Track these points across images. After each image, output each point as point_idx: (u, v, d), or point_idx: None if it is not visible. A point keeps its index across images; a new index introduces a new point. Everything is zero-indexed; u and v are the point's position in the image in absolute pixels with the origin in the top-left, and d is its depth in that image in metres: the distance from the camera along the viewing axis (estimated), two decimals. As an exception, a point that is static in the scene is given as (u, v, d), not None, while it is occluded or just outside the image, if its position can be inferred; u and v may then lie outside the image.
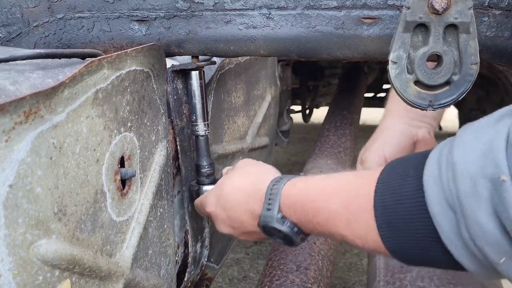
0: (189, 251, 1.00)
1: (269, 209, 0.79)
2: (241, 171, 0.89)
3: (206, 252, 1.07)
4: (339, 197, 0.70)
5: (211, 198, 0.90)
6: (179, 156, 0.95)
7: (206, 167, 0.98)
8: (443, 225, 0.56)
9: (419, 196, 0.59)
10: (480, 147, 0.53)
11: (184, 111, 0.96)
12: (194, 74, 0.95)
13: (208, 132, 0.98)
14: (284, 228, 0.78)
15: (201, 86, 0.96)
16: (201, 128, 0.96)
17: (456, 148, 0.56)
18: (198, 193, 0.97)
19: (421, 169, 0.60)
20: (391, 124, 1.08)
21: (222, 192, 0.88)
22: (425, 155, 0.61)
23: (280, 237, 0.80)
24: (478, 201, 0.52)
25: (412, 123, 1.10)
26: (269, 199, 0.79)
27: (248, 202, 0.84)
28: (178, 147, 0.94)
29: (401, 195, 0.61)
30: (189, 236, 0.99)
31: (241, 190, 0.85)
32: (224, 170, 0.98)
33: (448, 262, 0.59)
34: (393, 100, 1.17)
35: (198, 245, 1.03)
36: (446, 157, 0.57)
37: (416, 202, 0.59)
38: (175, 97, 0.93)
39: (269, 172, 0.86)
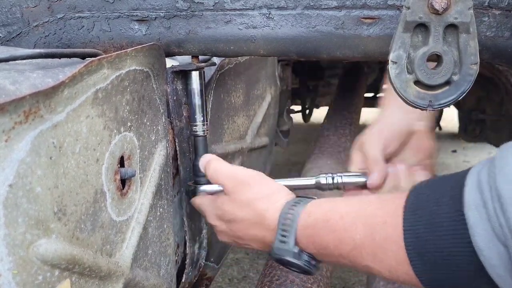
0: (187, 252, 1.00)
1: (283, 241, 0.73)
2: (241, 200, 0.81)
3: (204, 253, 1.07)
4: (362, 226, 0.65)
5: (211, 213, 0.86)
6: (178, 157, 0.95)
7: None
8: (492, 260, 0.51)
9: (459, 227, 0.54)
10: None
11: (184, 112, 0.96)
12: (194, 75, 0.94)
13: (207, 133, 0.97)
14: (301, 262, 0.73)
15: (201, 86, 0.95)
16: (199, 129, 0.95)
17: (498, 174, 0.51)
18: (194, 193, 0.96)
19: (458, 197, 0.54)
20: (390, 112, 1.03)
21: (224, 217, 0.83)
22: (458, 179, 0.56)
23: (295, 268, 0.75)
24: None
25: (411, 115, 1.07)
26: (283, 230, 0.73)
27: (258, 230, 0.78)
28: (177, 148, 0.94)
29: (437, 225, 0.56)
30: (187, 238, 0.99)
31: (248, 220, 0.79)
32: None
33: None
34: (391, 93, 1.15)
35: (196, 246, 1.03)
36: (488, 183, 0.52)
37: (455, 233, 0.54)
38: (175, 97, 0.93)
39: (275, 194, 0.79)
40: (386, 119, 1.02)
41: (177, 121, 0.94)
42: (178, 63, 1.12)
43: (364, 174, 0.92)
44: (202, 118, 0.95)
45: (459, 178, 0.56)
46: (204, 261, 1.08)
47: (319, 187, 0.92)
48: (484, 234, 0.51)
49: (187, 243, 0.99)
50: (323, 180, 0.91)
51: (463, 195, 0.54)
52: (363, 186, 0.90)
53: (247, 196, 0.80)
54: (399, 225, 0.60)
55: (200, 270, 1.08)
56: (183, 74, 0.95)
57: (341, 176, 0.92)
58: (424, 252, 0.58)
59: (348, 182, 0.92)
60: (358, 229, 0.66)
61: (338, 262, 0.70)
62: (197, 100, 0.95)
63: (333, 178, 0.91)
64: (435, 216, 0.57)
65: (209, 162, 0.89)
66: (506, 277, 0.51)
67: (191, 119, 0.96)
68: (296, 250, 0.73)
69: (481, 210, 0.52)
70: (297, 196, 0.80)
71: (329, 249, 0.69)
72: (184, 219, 0.99)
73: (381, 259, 0.63)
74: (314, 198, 0.77)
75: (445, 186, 0.58)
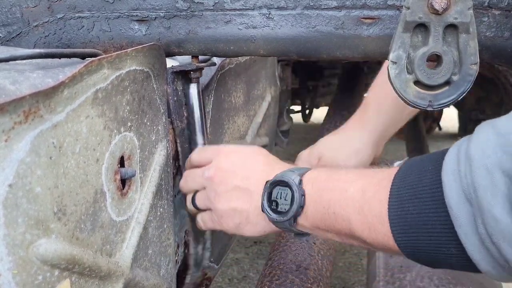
0: (191, 253, 0.99)
1: (292, 171, 0.80)
2: (230, 188, 0.85)
3: (207, 254, 1.07)
4: (359, 183, 0.71)
5: (203, 169, 0.89)
6: (180, 158, 0.95)
7: None
8: (460, 218, 0.55)
9: (436, 189, 0.58)
10: (498, 141, 0.52)
11: (184, 113, 0.96)
12: (193, 87, 0.95)
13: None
14: (295, 188, 0.77)
15: (200, 112, 0.96)
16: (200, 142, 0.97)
17: (473, 141, 0.55)
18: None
19: (439, 164, 0.59)
20: (357, 136, 1.12)
21: (219, 152, 0.88)
22: (444, 152, 0.61)
23: (285, 197, 0.79)
24: (495, 195, 0.51)
25: (376, 141, 1.13)
26: (290, 169, 0.80)
27: (253, 163, 0.85)
28: (179, 149, 0.94)
29: (418, 189, 0.61)
30: (191, 238, 0.99)
31: (241, 152, 0.86)
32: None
33: (461, 261, 0.58)
34: (374, 95, 1.20)
35: (200, 247, 1.03)
36: (464, 151, 0.56)
37: (433, 195, 0.59)
38: (175, 98, 0.93)
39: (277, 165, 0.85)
40: (350, 142, 1.13)
41: (178, 121, 0.94)
42: (178, 63, 1.12)
43: None
44: (202, 142, 0.96)
45: (445, 151, 0.62)
46: (207, 262, 1.08)
47: None
48: (455, 192, 0.55)
49: (191, 244, 0.99)
50: None
51: (443, 163, 0.59)
52: None
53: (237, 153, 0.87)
54: (387, 188, 0.65)
55: (204, 270, 1.08)
56: (183, 75, 0.95)
57: None
58: (403, 214, 0.62)
59: None
60: (354, 184, 0.71)
61: (323, 213, 0.75)
62: (197, 126, 0.95)
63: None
64: (418, 182, 0.62)
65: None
66: (472, 238, 0.54)
67: (191, 142, 0.96)
68: (297, 180, 0.78)
69: (454, 173, 0.56)
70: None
71: (322, 194, 0.75)
72: (187, 218, 0.99)
73: (365, 215, 0.67)
74: (309, 168, 0.82)
75: (433, 156, 0.64)
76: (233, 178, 0.85)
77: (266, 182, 0.80)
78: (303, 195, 0.77)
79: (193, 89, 0.95)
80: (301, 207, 0.77)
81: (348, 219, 0.70)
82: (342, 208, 0.71)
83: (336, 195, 0.72)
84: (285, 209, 0.77)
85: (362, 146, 1.11)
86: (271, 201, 0.79)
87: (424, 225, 0.60)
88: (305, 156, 1.14)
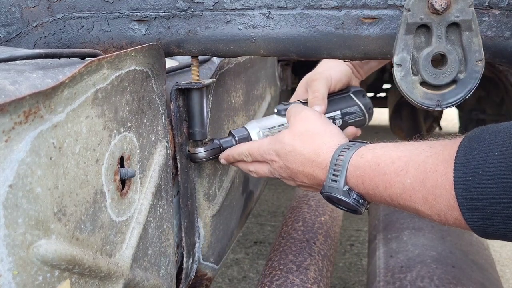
0: (183, 266, 1.00)
1: (334, 180, 0.78)
2: (303, 131, 0.86)
3: (195, 267, 1.08)
4: (414, 171, 0.69)
5: (270, 149, 0.90)
6: (179, 174, 0.95)
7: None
8: None
9: (508, 179, 0.58)
10: None
11: (184, 128, 0.96)
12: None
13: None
14: (350, 200, 0.77)
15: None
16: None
17: None
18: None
19: (509, 150, 0.58)
20: (333, 61, 1.14)
21: (282, 148, 0.87)
22: (509, 132, 0.60)
23: (344, 206, 0.80)
24: None
25: (351, 66, 1.16)
26: (334, 170, 0.78)
27: (311, 167, 0.83)
28: (178, 164, 0.94)
29: (486, 177, 0.60)
30: (184, 253, 0.99)
31: (303, 155, 0.84)
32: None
33: None
34: None
35: (190, 260, 1.04)
36: None
37: (505, 185, 0.58)
38: (178, 115, 0.93)
39: (332, 136, 0.84)
40: (333, 63, 1.13)
41: (179, 138, 0.94)
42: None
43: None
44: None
45: (510, 131, 0.60)
46: (194, 274, 1.08)
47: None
48: None
49: (184, 258, 0.99)
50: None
51: None
52: None
53: (306, 128, 0.86)
54: (449, 175, 0.64)
55: (190, 281, 1.08)
56: (185, 91, 0.95)
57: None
58: (474, 202, 0.61)
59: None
60: (408, 174, 0.69)
61: (387, 204, 0.74)
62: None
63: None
64: (486, 169, 0.60)
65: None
66: None
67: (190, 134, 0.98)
68: (346, 188, 0.77)
69: None
70: (351, 140, 0.84)
71: (378, 191, 0.73)
72: (183, 235, 0.98)
73: (432, 204, 0.67)
74: (367, 143, 0.81)
75: (497, 140, 0.61)
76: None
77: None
78: (356, 200, 0.78)
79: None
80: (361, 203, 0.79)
81: (415, 209, 0.70)
82: (405, 200, 0.70)
83: (394, 189, 0.71)
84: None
85: (336, 62, 1.15)
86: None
87: (497, 212, 0.60)
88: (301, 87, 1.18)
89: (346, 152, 0.78)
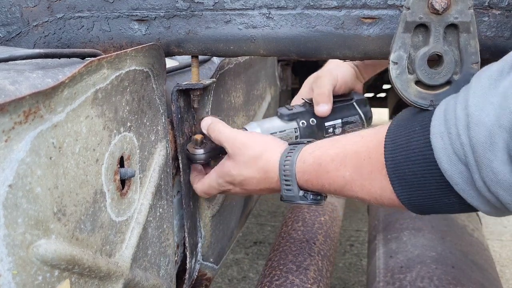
0: (187, 267, 1.00)
1: (289, 190, 0.83)
2: (247, 159, 0.89)
3: (198, 267, 1.08)
4: (350, 163, 0.74)
5: (222, 182, 0.93)
6: (181, 174, 0.95)
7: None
8: (455, 178, 0.58)
9: (427, 151, 0.61)
10: (495, 98, 0.54)
11: (185, 129, 0.96)
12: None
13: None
14: (308, 201, 0.84)
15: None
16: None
17: (471, 98, 0.57)
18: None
19: (427, 125, 0.62)
20: (340, 62, 1.15)
21: (234, 181, 0.91)
22: (430, 112, 0.63)
23: (306, 205, 0.86)
24: (494, 150, 0.53)
25: (356, 69, 1.17)
26: (286, 180, 0.83)
27: (265, 184, 0.88)
28: (180, 164, 0.94)
29: (409, 151, 0.64)
30: (187, 253, 0.99)
31: (255, 178, 0.88)
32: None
33: (462, 206, 0.62)
34: None
35: (193, 260, 1.04)
36: (454, 109, 0.58)
37: (425, 157, 0.62)
38: (179, 116, 0.93)
39: (272, 149, 0.87)
40: (339, 63, 1.14)
41: (180, 138, 0.94)
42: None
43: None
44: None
45: (430, 111, 0.64)
46: (197, 274, 1.08)
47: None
48: (446, 156, 0.58)
49: (187, 258, 1.00)
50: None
51: (430, 123, 0.62)
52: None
53: (248, 155, 0.89)
54: (381, 157, 0.68)
55: (193, 281, 1.08)
56: (185, 91, 0.94)
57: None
58: (402, 176, 0.65)
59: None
60: (347, 167, 0.74)
61: (335, 195, 0.81)
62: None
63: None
64: (409, 144, 0.64)
65: (212, 124, 0.95)
66: (468, 191, 0.59)
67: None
68: (301, 193, 0.83)
69: (444, 135, 0.59)
70: (290, 144, 0.88)
71: (325, 188, 0.79)
72: (186, 235, 0.98)
73: (369, 190, 0.71)
74: (304, 143, 0.85)
75: (420, 116, 0.66)
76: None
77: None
78: (313, 200, 0.85)
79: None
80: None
81: (357, 197, 0.75)
82: (348, 191, 0.75)
83: (338, 184, 0.76)
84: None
85: (342, 63, 1.16)
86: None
87: (422, 184, 0.64)
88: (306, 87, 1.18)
89: (289, 160, 0.83)
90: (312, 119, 1.05)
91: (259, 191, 0.91)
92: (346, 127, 1.09)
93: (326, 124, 1.07)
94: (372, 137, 0.72)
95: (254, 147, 0.89)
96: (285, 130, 1.02)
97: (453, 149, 0.58)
